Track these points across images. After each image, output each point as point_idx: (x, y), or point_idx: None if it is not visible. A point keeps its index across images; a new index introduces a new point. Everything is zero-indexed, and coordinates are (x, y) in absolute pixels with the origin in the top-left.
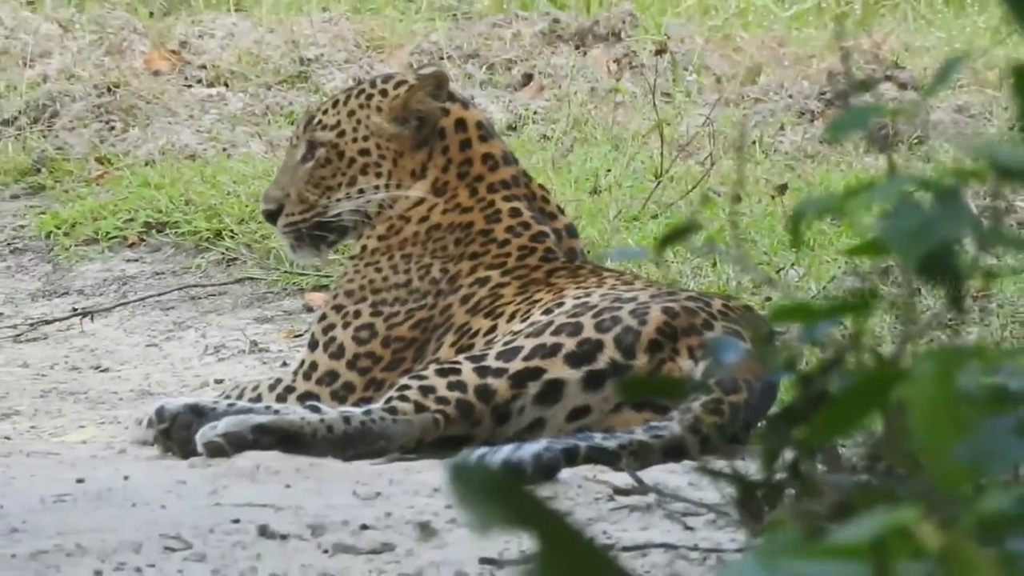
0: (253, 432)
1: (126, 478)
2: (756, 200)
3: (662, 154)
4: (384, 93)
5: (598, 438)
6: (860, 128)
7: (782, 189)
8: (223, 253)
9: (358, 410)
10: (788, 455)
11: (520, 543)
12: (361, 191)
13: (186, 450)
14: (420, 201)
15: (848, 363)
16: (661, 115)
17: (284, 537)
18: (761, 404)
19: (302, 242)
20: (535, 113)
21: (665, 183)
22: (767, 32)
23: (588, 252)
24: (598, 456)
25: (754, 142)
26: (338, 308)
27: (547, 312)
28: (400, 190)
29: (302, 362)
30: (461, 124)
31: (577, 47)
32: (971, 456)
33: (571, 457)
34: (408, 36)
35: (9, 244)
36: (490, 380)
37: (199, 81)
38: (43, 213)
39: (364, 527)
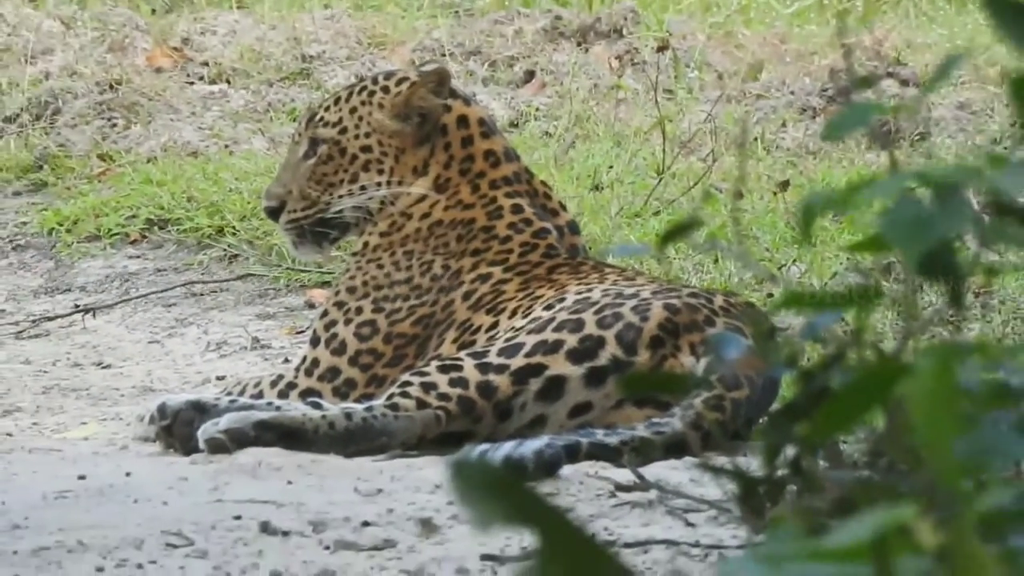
0: (255, 428)
1: (128, 474)
2: (758, 196)
3: (664, 151)
4: (386, 90)
5: (600, 434)
6: (858, 126)
7: (784, 185)
8: (225, 250)
9: (360, 406)
10: (790, 451)
11: (521, 540)
12: (363, 188)
13: (188, 446)
14: (422, 197)
15: (850, 359)
16: (663, 112)
17: (286, 533)
18: (763, 400)
19: (304, 239)
20: (537, 110)
21: (667, 179)
22: (769, 29)
23: (590, 248)
24: (600, 452)
25: (756, 138)
26: (340, 304)
27: (549, 308)
28: (402, 187)
29: (304, 358)
30: (463, 121)
31: (579, 44)
32: (972, 452)
33: (573, 453)
34: (410, 33)
35: (11, 241)
36: (492, 376)
37: (201, 78)
38: (45, 210)
39: (365, 523)
